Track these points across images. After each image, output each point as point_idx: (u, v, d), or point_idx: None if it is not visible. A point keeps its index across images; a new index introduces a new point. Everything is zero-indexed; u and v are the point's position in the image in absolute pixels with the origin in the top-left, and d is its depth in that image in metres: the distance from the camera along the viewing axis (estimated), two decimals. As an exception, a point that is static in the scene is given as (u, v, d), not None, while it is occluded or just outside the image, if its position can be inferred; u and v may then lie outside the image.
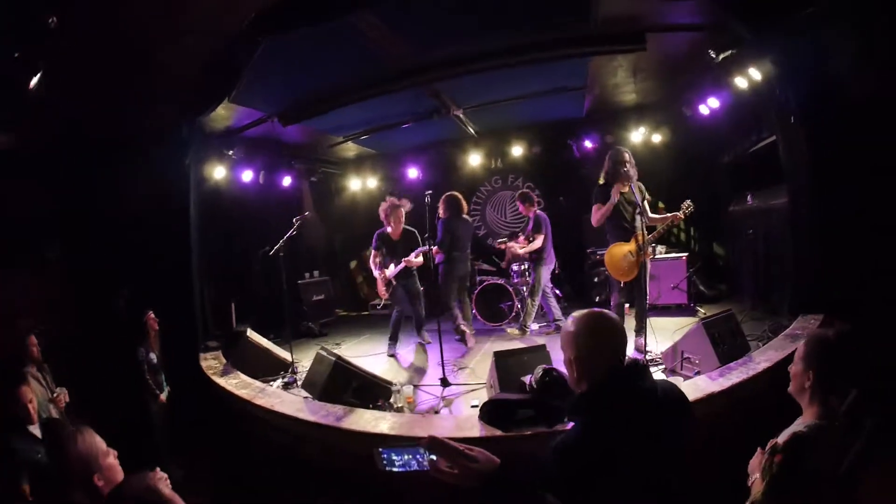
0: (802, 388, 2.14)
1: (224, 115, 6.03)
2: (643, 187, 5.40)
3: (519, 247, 7.19)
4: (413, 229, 6.43)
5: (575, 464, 1.61)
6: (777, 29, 4.27)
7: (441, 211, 6.61)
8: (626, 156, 5.27)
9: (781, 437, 2.05)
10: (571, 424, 1.83)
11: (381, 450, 1.54)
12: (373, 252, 6.49)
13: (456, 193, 6.71)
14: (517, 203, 7.21)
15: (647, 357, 4.87)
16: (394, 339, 6.69)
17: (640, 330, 5.17)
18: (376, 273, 6.46)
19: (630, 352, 5.18)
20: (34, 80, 3.55)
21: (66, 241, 5.54)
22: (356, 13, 4.19)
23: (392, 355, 6.55)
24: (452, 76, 5.72)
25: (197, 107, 5.29)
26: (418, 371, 5.82)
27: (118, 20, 3.72)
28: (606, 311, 1.91)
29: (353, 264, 10.67)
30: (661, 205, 5.42)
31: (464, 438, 3.56)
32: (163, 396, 4.96)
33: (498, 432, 3.54)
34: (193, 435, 4.94)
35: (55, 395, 3.94)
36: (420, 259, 6.28)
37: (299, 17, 4.03)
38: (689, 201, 5.17)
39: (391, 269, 6.32)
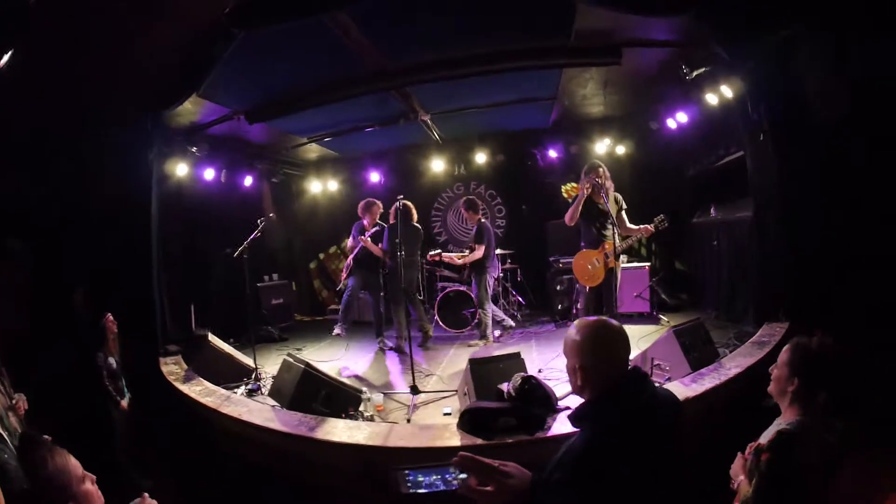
0: (784, 391, 2.22)
1: (190, 109, 5.78)
2: (619, 198, 5.51)
3: (457, 257, 7.23)
4: (384, 224, 6.80)
5: (587, 469, 1.59)
6: (752, 49, 4.40)
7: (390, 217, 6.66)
8: (601, 170, 5.40)
9: (764, 438, 2.13)
10: (577, 431, 1.80)
11: (406, 471, 1.48)
12: (350, 241, 6.93)
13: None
14: (461, 209, 7.20)
15: None
16: (343, 321, 6.88)
17: None
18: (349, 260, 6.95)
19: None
20: (4, 59, 3.27)
21: (26, 235, 5.18)
22: (336, 11, 4.09)
23: (337, 334, 6.74)
24: (425, 81, 5.68)
25: (165, 99, 5.02)
26: (384, 378, 5.71)
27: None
28: (610, 319, 1.90)
29: (312, 265, 10.46)
30: (624, 216, 5.60)
31: (443, 448, 3.50)
32: (124, 403, 4.62)
33: (479, 441, 3.50)
34: (157, 444, 4.66)
35: (14, 401, 3.60)
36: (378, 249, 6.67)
37: (280, 11, 3.90)
38: (662, 216, 5.34)
39: (349, 242, 6.92)
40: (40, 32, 3.51)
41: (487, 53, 5.27)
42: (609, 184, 5.43)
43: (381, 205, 7.01)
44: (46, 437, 2.21)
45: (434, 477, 1.46)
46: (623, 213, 5.52)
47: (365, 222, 6.92)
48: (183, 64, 4.64)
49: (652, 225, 5.35)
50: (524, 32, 4.97)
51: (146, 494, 2.14)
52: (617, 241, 5.21)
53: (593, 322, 1.85)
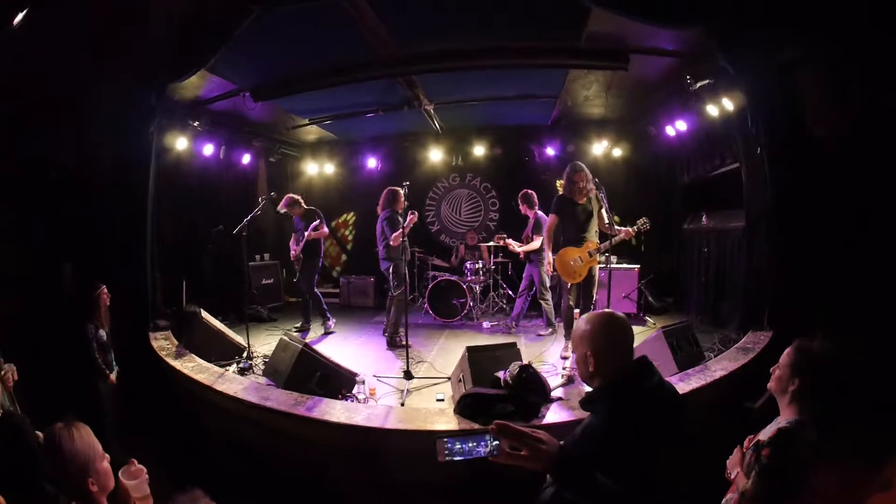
0: (785, 390, 2.32)
1: (196, 83, 5.73)
2: (602, 197, 5.56)
3: (518, 245, 7.22)
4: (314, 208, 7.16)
5: (604, 446, 1.70)
6: (755, 66, 4.51)
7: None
8: (584, 172, 5.49)
9: (764, 434, 2.24)
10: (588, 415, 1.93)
11: (445, 439, 1.56)
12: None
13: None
14: (518, 202, 7.19)
15: None
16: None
17: None
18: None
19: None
20: (19, 17, 3.23)
21: (20, 203, 5.09)
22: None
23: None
24: (435, 71, 5.70)
25: (172, 71, 4.98)
26: (376, 363, 5.75)
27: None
28: (617, 312, 2.03)
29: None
30: (616, 218, 5.65)
31: (441, 431, 3.58)
32: (112, 377, 4.60)
33: (475, 426, 3.58)
34: (144, 419, 4.64)
35: (3, 372, 3.53)
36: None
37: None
38: (644, 218, 5.48)
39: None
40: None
41: (499, 48, 5.33)
42: (590, 185, 5.53)
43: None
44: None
45: (471, 444, 1.54)
46: (603, 212, 5.60)
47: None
48: (194, 36, 4.61)
49: (634, 227, 5.47)
50: (537, 31, 5.03)
51: (134, 460, 2.13)
52: (596, 239, 5.45)
53: (601, 314, 1.97)
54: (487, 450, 1.53)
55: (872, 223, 4.05)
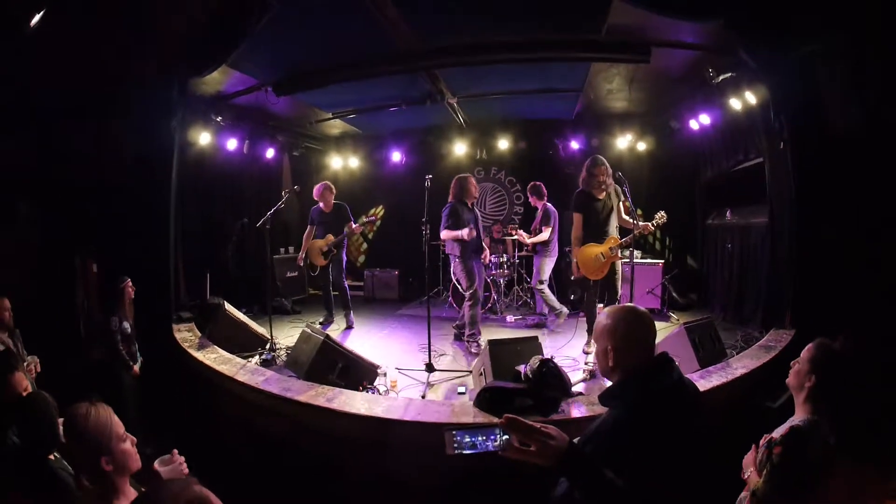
0: (802, 386, 2.30)
1: (217, 78, 5.81)
2: (620, 191, 5.53)
3: (527, 237, 7.22)
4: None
5: (617, 443, 1.69)
6: (777, 59, 4.45)
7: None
8: (604, 166, 5.43)
9: (777, 432, 2.20)
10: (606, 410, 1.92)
11: (454, 432, 1.55)
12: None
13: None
14: (528, 194, 7.25)
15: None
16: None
17: None
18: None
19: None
20: (36, 18, 3.30)
21: (40, 196, 5.23)
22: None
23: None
24: (456, 65, 5.71)
25: (194, 66, 5.04)
26: (398, 355, 5.78)
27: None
28: (639, 307, 2.00)
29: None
30: (639, 211, 5.58)
31: (460, 424, 3.59)
32: (136, 368, 4.71)
33: (495, 419, 3.57)
34: (167, 410, 4.75)
35: (26, 364, 3.64)
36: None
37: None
38: (662, 212, 5.40)
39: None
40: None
41: (520, 41, 5.29)
42: (610, 180, 5.47)
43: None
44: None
45: (480, 437, 1.53)
46: (621, 206, 5.57)
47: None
48: (215, 32, 4.65)
49: (652, 222, 5.39)
50: (558, 23, 4.98)
51: (175, 451, 2.20)
52: (617, 235, 5.41)
53: (623, 308, 1.95)
54: (496, 444, 1.52)
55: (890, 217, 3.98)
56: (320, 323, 7.16)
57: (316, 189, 7.13)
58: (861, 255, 4.31)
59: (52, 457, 2.32)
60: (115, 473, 1.94)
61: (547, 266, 7.01)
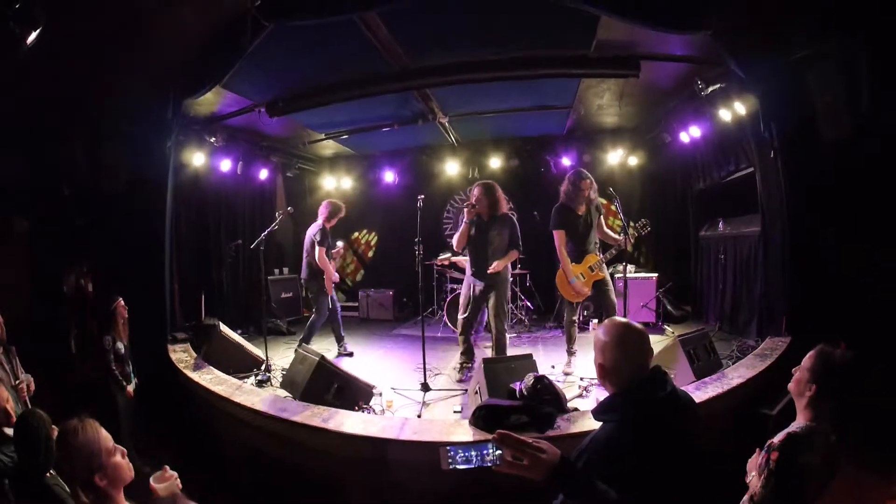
0: (802, 394, 2.30)
1: (211, 99, 5.85)
2: (600, 205, 5.50)
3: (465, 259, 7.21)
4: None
5: (609, 457, 1.72)
6: (765, 68, 4.49)
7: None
8: (589, 180, 5.34)
9: (777, 438, 2.21)
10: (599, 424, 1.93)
11: (448, 448, 1.59)
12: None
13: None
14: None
15: None
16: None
17: None
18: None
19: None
20: (32, 36, 3.29)
21: (35, 214, 5.24)
22: (370, 10, 4.16)
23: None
24: (448, 84, 5.75)
25: (188, 87, 5.08)
26: (393, 375, 5.74)
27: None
28: (634, 322, 2.02)
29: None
30: (632, 224, 5.60)
31: (456, 443, 3.56)
32: (130, 388, 4.67)
33: (490, 437, 3.55)
34: (162, 431, 4.71)
35: (19, 382, 3.62)
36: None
37: (314, 7, 3.98)
38: (643, 220, 5.39)
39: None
40: (64, 14, 3.53)
41: (510, 59, 5.36)
42: (594, 195, 5.41)
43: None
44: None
45: (473, 453, 1.57)
46: (602, 219, 5.51)
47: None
48: (209, 52, 4.71)
49: (631, 231, 5.27)
50: (547, 41, 5.05)
51: (167, 467, 2.21)
52: (598, 253, 5.35)
53: (617, 323, 1.98)
54: (490, 459, 1.55)
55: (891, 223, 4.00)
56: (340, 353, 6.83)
57: (325, 212, 6.58)
58: (854, 259, 4.34)
59: (48, 474, 2.33)
60: (110, 487, 1.98)
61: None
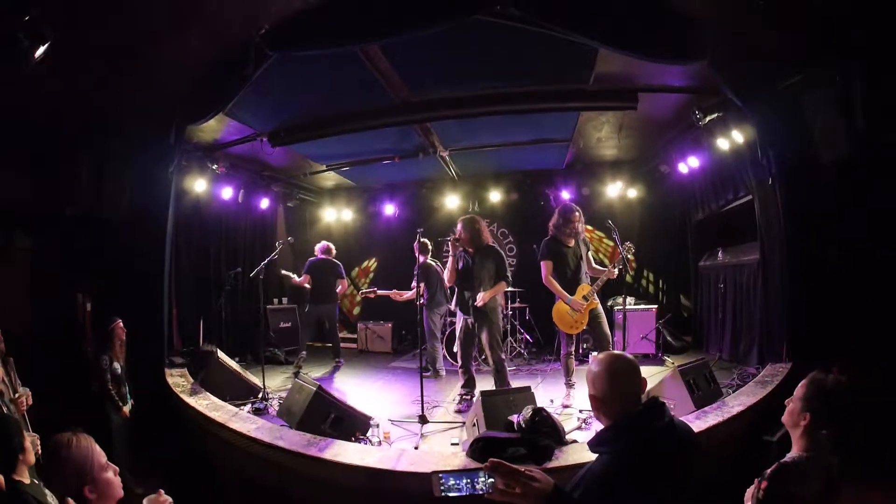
0: (797, 424, 2.28)
1: (214, 126, 5.94)
2: (588, 239, 5.54)
3: (403, 294, 7.35)
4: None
5: (604, 490, 1.70)
6: (762, 96, 4.56)
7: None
8: (578, 213, 5.40)
9: (770, 468, 2.19)
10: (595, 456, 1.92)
11: (441, 474, 1.59)
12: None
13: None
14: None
15: None
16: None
17: None
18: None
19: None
20: (40, 51, 3.31)
21: (36, 234, 5.26)
22: (372, 43, 4.25)
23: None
24: (448, 118, 5.86)
25: (191, 114, 5.13)
26: (391, 406, 5.67)
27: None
28: (626, 354, 2.04)
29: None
30: (630, 256, 5.59)
31: (448, 471, 3.50)
32: (126, 409, 4.64)
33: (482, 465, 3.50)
34: (155, 453, 4.65)
35: (17, 395, 3.58)
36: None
37: (318, 39, 4.05)
38: (629, 243, 5.31)
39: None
40: (69, 35, 3.57)
41: (510, 94, 5.46)
42: (582, 227, 5.46)
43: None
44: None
45: (465, 481, 1.56)
46: (590, 254, 5.55)
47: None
48: (212, 80, 4.76)
49: (616, 264, 5.26)
50: (548, 75, 5.16)
51: (161, 491, 2.17)
52: (589, 283, 5.35)
53: (609, 356, 1.98)
54: (480, 487, 1.55)
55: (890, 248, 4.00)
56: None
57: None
58: (854, 283, 4.34)
59: (24, 480, 2.27)
60: (99, 501, 1.99)
61: (436, 321, 7.06)
